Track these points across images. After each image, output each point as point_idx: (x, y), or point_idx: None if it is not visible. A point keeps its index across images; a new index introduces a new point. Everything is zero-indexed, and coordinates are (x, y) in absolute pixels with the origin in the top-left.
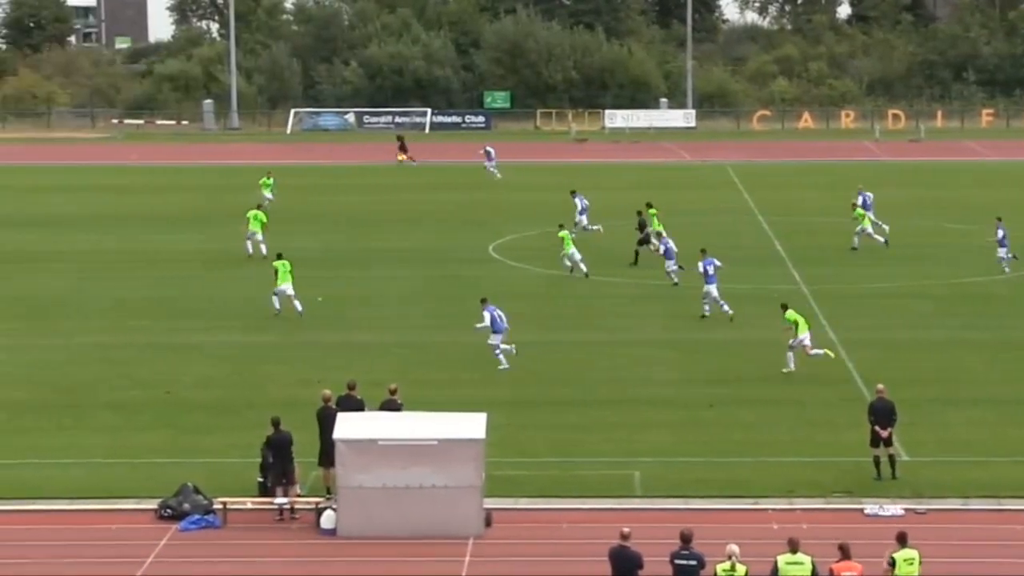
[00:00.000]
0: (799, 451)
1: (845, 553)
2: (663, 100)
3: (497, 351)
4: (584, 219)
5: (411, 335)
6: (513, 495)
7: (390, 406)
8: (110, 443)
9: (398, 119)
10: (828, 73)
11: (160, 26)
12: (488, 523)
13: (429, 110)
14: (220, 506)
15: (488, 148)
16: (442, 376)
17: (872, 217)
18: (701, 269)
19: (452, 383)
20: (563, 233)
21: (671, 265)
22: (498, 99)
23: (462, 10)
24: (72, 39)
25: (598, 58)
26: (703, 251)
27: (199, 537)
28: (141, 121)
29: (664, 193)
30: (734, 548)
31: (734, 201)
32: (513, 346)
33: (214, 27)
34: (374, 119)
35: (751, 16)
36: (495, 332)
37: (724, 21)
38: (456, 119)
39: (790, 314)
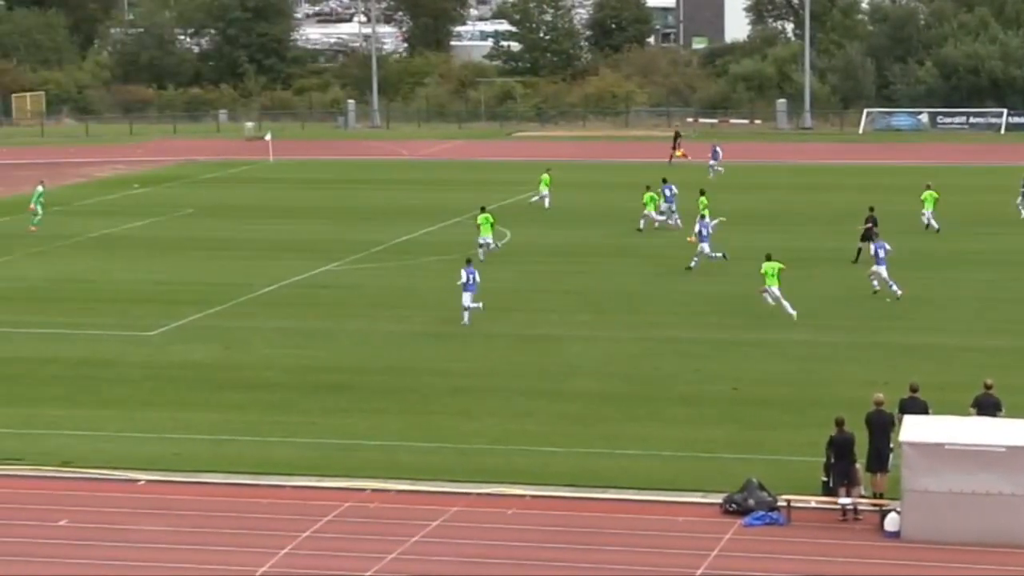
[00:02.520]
0: None
1: None
2: None
3: (465, 309)
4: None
5: (985, 339)
6: None
7: (912, 405)
8: (679, 436)
9: (972, 119)
10: None
11: (736, 26)
12: None
13: (1005, 110)
14: (784, 503)
15: (716, 147)
16: (1020, 382)
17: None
18: (872, 251)
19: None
20: None
21: (705, 248)
22: None
23: None
24: (651, 39)
25: None
26: (876, 235)
27: (763, 533)
28: (715, 120)
29: None
30: None
31: None
32: (480, 304)
33: (789, 27)
34: (948, 119)
35: None
36: (466, 291)
37: None
38: None
39: (769, 264)
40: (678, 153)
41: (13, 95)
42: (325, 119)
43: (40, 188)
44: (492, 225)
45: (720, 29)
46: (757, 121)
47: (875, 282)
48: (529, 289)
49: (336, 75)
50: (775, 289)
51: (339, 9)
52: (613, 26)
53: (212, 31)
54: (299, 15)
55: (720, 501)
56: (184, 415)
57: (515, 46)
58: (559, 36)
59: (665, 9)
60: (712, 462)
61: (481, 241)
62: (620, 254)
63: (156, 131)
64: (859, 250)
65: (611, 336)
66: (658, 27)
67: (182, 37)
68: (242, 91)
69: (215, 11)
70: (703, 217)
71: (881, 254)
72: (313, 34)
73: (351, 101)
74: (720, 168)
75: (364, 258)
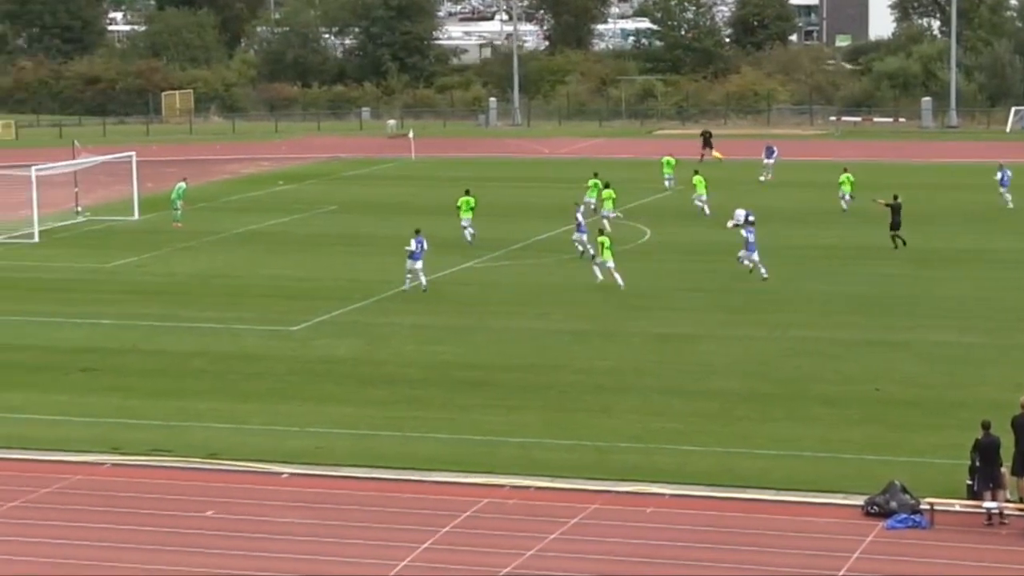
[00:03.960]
0: None
1: None
2: None
3: (408, 274)
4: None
5: None
6: None
7: None
8: (819, 436)
9: None
10: None
11: (881, 24)
12: None
13: None
14: (927, 506)
15: (771, 145)
16: None
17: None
18: (744, 235)
19: None
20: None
21: (580, 236)
22: None
23: None
24: (793, 37)
25: None
26: (752, 222)
27: (905, 536)
28: (858, 119)
29: None
30: None
31: None
32: (426, 282)
33: (935, 24)
34: None
35: None
36: (411, 258)
37: None
38: None
39: (602, 238)
40: (716, 154)
41: (163, 93)
42: (466, 117)
43: (182, 185)
44: (472, 208)
45: (864, 26)
46: (901, 120)
47: (746, 263)
48: (667, 288)
49: (478, 73)
50: (610, 261)
51: (481, 7)
52: (755, 24)
53: (356, 29)
54: (441, 13)
55: (862, 503)
56: (326, 409)
57: (656, 44)
58: (701, 34)
59: (808, 7)
60: (853, 463)
61: (465, 222)
62: (759, 252)
63: (300, 128)
64: (893, 237)
65: (749, 335)
66: (801, 25)
67: (327, 36)
68: (385, 89)
69: (359, 10)
70: (577, 205)
71: (751, 239)
72: (455, 32)
73: (492, 99)
74: (770, 174)
75: (504, 255)
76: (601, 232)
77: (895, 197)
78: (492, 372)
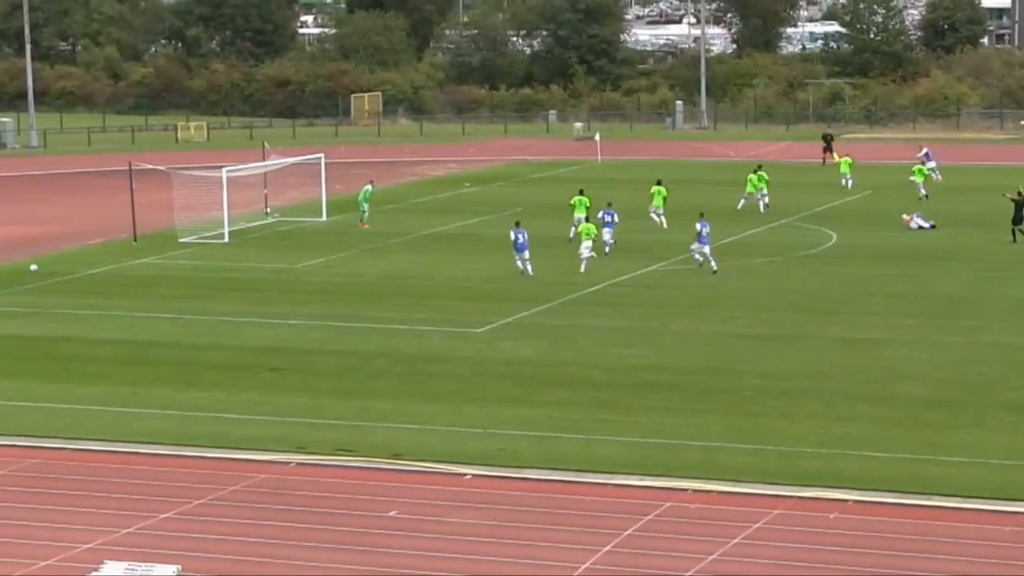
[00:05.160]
0: None
1: None
2: None
3: (523, 265)
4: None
5: None
6: None
7: None
8: (1006, 444)
9: None
10: None
11: None
12: None
13: None
14: None
15: (927, 150)
16: None
17: None
18: (697, 229)
19: None
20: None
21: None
22: None
23: None
24: (984, 40)
25: None
26: (701, 214)
27: None
28: None
29: None
30: None
31: None
32: (530, 265)
33: None
34: None
35: None
36: (517, 251)
37: None
38: None
39: (583, 227)
40: (837, 157)
41: (352, 95)
42: (653, 120)
43: (368, 187)
44: (587, 208)
45: None
46: None
47: (697, 256)
48: (853, 292)
49: (664, 76)
50: (588, 246)
51: (668, 11)
52: (945, 27)
53: (544, 32)
54: (629, 16)
55: None
56: (509, 411)
57: (844, 47)
58: (889, 37)
59: (1000, 10)
60: None
61: (578, 219)
62: (947, 257)
63: (487, 131)
64: (1014, 231)
65: (936, 340)
66: (992, 28)
67: (514, 39)
68: (572, 92)
69: (547, 13)
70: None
71: (704, 232)
72: (642, 35)
73: (679, 102)
74: (937, 175)
75: (690, 259)
76: (587, 220)
77: (1020, 192)
78: (676, 375)
